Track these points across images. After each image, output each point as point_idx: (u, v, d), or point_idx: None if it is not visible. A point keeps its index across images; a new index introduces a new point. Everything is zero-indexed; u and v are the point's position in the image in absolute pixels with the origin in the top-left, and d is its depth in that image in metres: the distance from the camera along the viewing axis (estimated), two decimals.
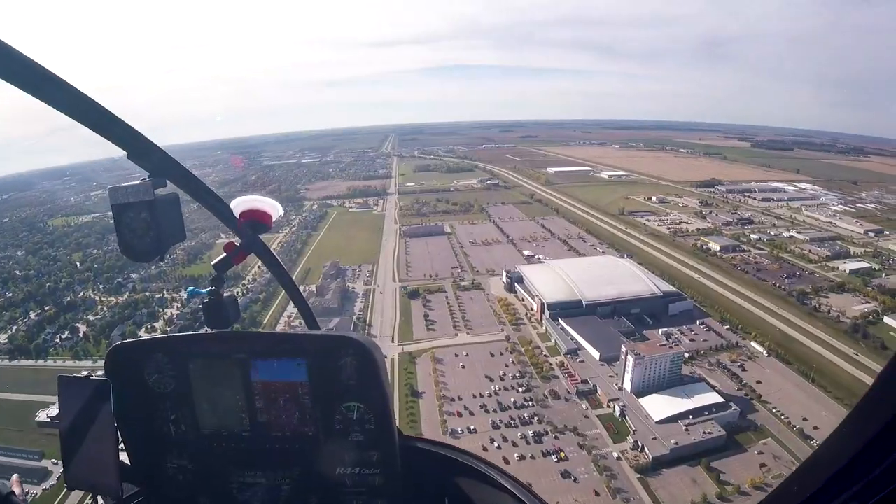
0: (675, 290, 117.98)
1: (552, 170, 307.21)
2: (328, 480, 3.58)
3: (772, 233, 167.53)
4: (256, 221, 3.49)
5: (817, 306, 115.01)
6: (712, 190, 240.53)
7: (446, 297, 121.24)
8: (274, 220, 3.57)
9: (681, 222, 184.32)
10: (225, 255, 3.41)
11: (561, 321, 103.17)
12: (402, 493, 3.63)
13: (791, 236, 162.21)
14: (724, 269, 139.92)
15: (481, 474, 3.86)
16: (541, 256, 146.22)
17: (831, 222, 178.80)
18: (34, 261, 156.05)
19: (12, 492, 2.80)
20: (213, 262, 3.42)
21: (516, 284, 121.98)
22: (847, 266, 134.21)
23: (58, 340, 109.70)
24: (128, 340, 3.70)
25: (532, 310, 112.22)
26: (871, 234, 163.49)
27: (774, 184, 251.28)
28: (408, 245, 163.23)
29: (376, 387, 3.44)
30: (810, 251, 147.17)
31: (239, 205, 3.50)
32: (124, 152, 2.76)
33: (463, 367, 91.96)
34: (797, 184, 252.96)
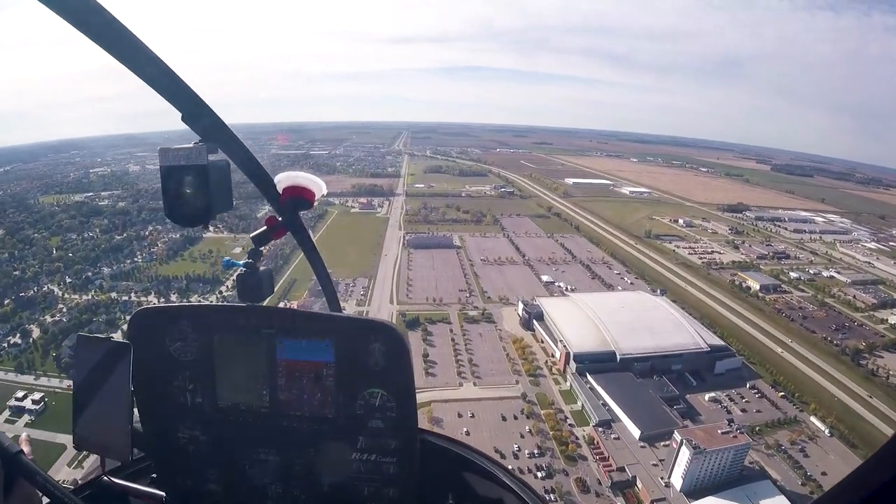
0: (721, 342, 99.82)
1: (570, 181, 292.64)
2: (342, 464, 3.54)
3: (811, 271, 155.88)
4: (299, 198, 3.54)
5: (874, 369, 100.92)
6: (741, 215, 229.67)
7: (451, 331, 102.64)
8: (317, 198, 3.59)
9: (713, 251, 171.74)
10: (265, 228, 3.45)
11: (590, 378, 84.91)
12: (415, 485, 3.59)
13: (831, 276, 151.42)
14: (766, 313, 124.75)
15: (487, 472, 3.91)
16: (561, 284, 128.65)
17: (869, 262, 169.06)
18: (10, 243, 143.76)
19: (21, 451, 2.71)
20: (251, 235, 3.43)
21: (535, 322, 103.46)
22: None
23: (5, 346, 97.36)
24: (153, 305, 3.67)
25: (553, 357, 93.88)
26: None
27: (803, 213, 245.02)
28: (411, 258, 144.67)
29: (402, 375, 3.38)
30: (855, 296, 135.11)
31: (283, 180, 3.53)
32: (178, 113, 2.74)
33: (467, 432, 73.03)
34: (825, 214, 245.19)
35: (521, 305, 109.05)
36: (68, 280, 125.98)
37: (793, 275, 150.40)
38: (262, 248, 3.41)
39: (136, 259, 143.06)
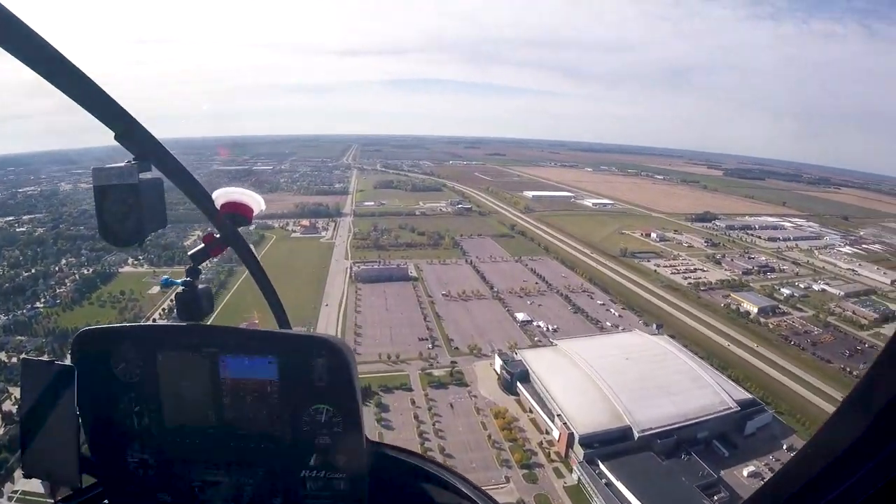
0: (748, 395, 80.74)
1: (530, 193, 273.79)
2: (292, 482, 3.55)
3: (801, 286, 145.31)
4: (237, 214, 3.50)
5: None
6: (711, 225, 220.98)
7: (412, 401, 79.52)
8: (255, 214, 3.56)
9: (696, 269, 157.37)
10: (203, 245, 3.47)
11: (602, 467, 63.46)
12: (367, 499, 3.60)
13: (823, 290, 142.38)
14: (772, 342, 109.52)
15: (443, 482, 3.87)
16: (541, 324, 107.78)
17: (853, 269, 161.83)
18: None
19: None
20: (189, 252, 3.44)
21: (519, 384, 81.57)
22: None
23: None
24: (97, 326, 3.61)
25: (549, 434, 72.22)
26: None
27: (769, 219, 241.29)
28: (360, 296, 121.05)
29: (347, 390, 3.41)
30: (854, 312, 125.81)
31: (220, 196, 3.48)
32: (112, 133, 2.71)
33: None
34: (791, 219, 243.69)
35: (498, 360, 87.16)
36: None
37: (785, 291, 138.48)
38: (200, 266, 3.40)
39: (37, 305, 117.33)
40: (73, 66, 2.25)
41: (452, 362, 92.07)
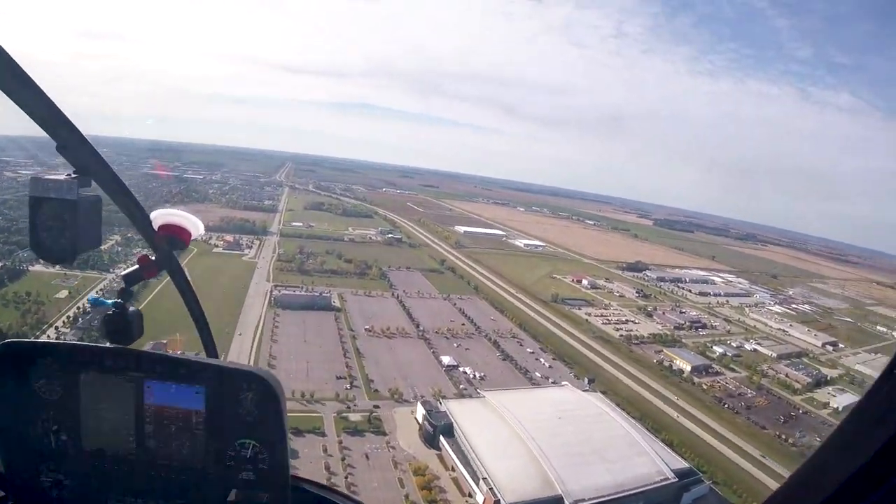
0: (686, 464, 77.54)
1: (462, 229, 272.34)
2: None
3: (734, 344, 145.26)
4: (174, 237, 3.49)
5: None
6: (641, 275, 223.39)
7: (325, 449, 71.76)
8: (193, 237, 3.58)
9: (627, 320, 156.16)
10: (137, 266, 3.41)
11: None
12: None
13: (755, 350, 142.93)
14: (706, 403, 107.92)
15: None
16: (468, 371, 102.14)
17: (783, 330, 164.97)
18: None
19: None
20: (122, 273, 3.40)
21: (442, 438, 74.76)
22: (838, 401, 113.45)
23: None
24: (21, 339, 3.53)
25: (471, 498, 65.51)
26: (830, 347, 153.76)
27: (700, 272, 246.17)
28: (277, 323, 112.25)
29: (275, 426, 3.35)
30: (787, 375, 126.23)
31: (159, 217, 3.47)
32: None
33: None
34: (721, 274, 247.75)
35: (420, 409, 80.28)
36: None
37: (717, 350, 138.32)
38: (132, 288, 3.35)
39: None
40: (19, 67, 2.14)
41: (375, 406, 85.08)
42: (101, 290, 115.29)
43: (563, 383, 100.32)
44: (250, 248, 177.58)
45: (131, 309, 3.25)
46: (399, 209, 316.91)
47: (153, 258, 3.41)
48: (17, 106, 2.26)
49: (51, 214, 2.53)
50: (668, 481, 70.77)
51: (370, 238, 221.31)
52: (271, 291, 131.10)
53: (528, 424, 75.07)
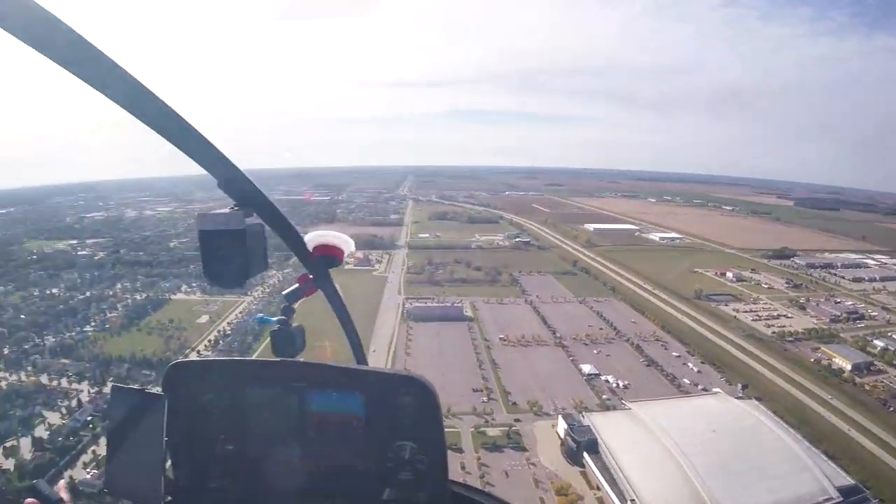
0: (850, 481, 67.59)
1: (591, 226, 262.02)
2: None
3: (895, 336, 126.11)
4: (329, 256, 3.80)
5: None
6: (789, 262, 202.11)
7: (462, 465, 69.77)
8: (345, 255, 3.87)
9: (779, 315, 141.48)
10: (297, 286, 3.75)
11: None
12: None
13: None
14: (870, 408, 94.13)
15: None
16: (610, 379, 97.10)
17: None
18: None
19: (61, 498, 2.96)
20: (284, 292, 3.71)
21: (586, 455, 70.72)
22: None
23: None
24: (189, 359, 3.92)
25: None
26: None
27: (852, 256, 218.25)
28: (411, 336, 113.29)
29: (433, 428, 3.43)
30: None
31: (313, 239, 3.77)
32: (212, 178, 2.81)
33: None
34: (875, 256, 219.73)
35: (562, 423, 76.52)
36: (6, 351, 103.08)
37: (878, 343, 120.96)
38: (293, 305, 3.65)
39: (86, 328, 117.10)
40: (186, 122, 2.34)
41: (516, 419, 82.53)
42: (240, 312, 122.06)
43: (715, 390, 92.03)
44: (380, 262, 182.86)
45: (294, 325, 3.54)
46: (524, 211, 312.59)
47: (311, 277, 3.72)
48: (181, 152, 2.46)
49: (221, 245, 2.76)
50: (832, 501, 62.37)
51: (498, 243, 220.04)
52: (403, 304, 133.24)
53: (679, 439, 69.10)
